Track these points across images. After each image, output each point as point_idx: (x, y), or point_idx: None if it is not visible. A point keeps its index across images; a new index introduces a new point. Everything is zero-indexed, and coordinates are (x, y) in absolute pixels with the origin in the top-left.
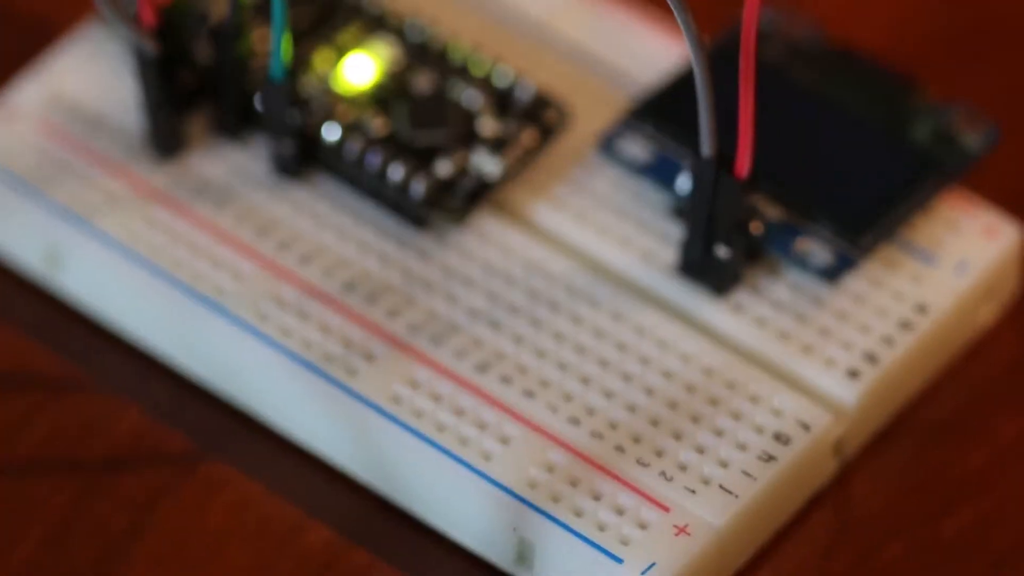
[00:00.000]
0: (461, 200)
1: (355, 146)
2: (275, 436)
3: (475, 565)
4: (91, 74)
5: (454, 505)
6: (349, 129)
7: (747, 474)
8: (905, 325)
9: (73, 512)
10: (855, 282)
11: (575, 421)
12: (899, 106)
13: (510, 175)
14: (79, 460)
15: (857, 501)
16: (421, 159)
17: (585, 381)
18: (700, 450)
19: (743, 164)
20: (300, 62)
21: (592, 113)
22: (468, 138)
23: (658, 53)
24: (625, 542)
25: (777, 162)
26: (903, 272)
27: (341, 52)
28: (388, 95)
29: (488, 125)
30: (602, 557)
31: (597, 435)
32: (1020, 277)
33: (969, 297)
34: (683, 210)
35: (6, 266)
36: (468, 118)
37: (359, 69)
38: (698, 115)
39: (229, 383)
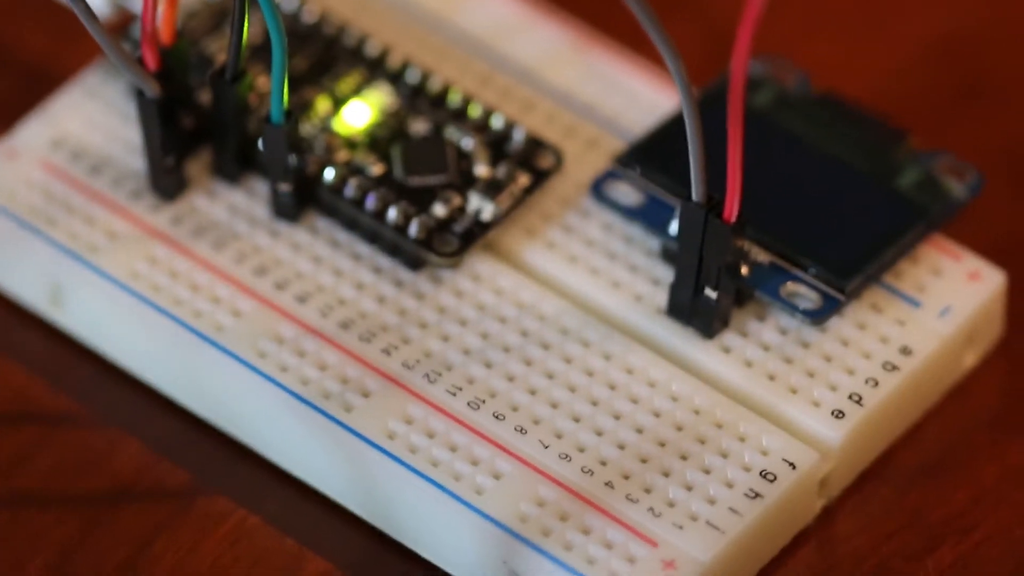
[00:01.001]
0: (456, 242)
1: (353, 188)
2: (273, 470)
3: None
4: (94, 116)
5: (447, 538)
6: (347, 171)
7: (734, 511)
8: (890, 367)
9: (74, 545)
10: (841, 325)
11: (566, 457)
12: (886, 154)
13: (504, 218)
14: (80, 493)
15: (841, 539)
16: (417, 201)
17: (576, 419)
18: (688, 487)
19: (731, 208)
20: (299, 105)
21: (584, 158)
22: (463, 181)
23: (648, 99)
24: None
25: (765, 207)
26: (888, 316)
27: (339, 95)
28: (385, 138)
29: (483, 169)
30: None
31: (587, 471)
32: (1002, 322)
33: (953, 341)
34: (673, 253)
35: (10, 303)
36: (463, 162)
37: (357, 112)
38: (688, 160)
39: (228, 418)
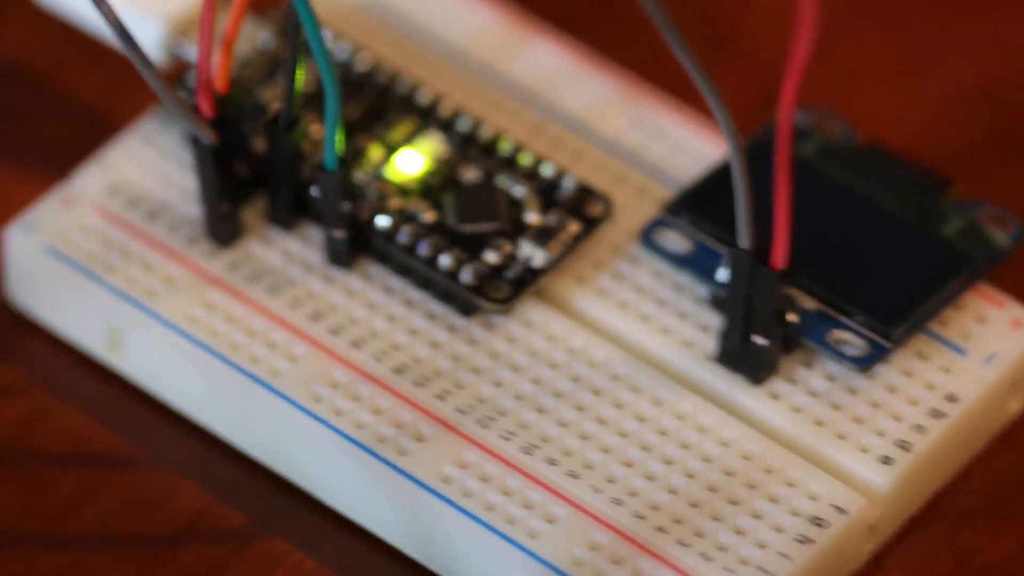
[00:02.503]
0: (507, 288)
1: (406, 235)
2: (329, 513)
3: None
4: (150, 163)
5: None
6: (400, 218)
7: (784, 555)
8: (936, 414)
9: None
10: (888, 372)
11: (618, 502)
12: (930, 203)
13: (554, 265)
14: (139, 536)
15: None
16: (469, 248)
17: (628, 464)
18: (739, 532)
19: (779, 256)
20: (352, 152)
21: (633, 206)
22: (514, 229)
23: (696, 148)
24: None
25: (812, 255)
26: (934, 363)
27: (392, 143)
28: (437, 186)
29: (533, 216)
30: None
31: (639, 516)
32: None
33: (998, 387)
34: (721, 300)
35: (69, 347)
36: (514, 209)
37: (409, 160)
38: (735, 208)
39: (284, 462)
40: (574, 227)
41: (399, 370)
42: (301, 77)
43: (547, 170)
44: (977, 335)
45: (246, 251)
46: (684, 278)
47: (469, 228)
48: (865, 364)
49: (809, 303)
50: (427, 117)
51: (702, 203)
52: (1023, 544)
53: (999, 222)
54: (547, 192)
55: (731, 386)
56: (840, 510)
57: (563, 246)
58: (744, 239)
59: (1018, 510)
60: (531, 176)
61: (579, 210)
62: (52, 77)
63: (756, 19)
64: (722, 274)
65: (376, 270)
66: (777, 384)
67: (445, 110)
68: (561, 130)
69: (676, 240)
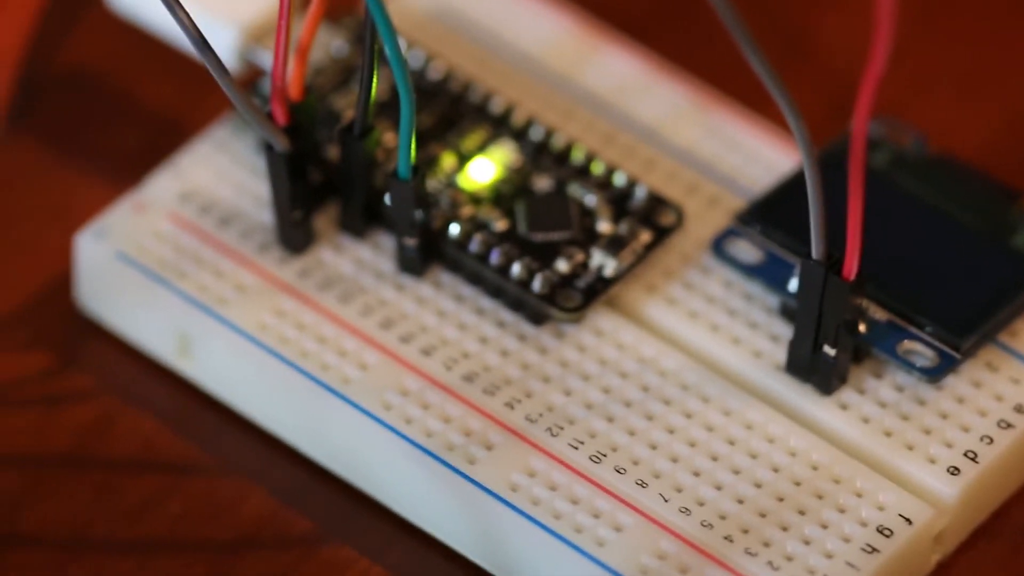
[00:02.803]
0: (579, 297)
1: (477, 243)
2: (397, 520)
3: None
4: (222, 169)
5: None
6: (472, 227)
7: (851, 565)
8: (1005, 425)
9: None
10: (957, 383)
11: (686, 511)
12: (1000, 214)
13: (626, 274)
14: (208, 540)
15: None
16: (540, 257)
17: (696, 473)
18: (806, 541)
19: (851, 267)
20: (425, 160)
21: (704, 215)
22: (586, 238)
23: (768, 157)
24: None
25: (883, 266)
26: (1003, 374)
27: (465, 152)
28: (509, 194)
29: (605, 225)
30: None
31: (707, 525)
32: None
33: None
34: (792, 310)
35: (139, 353)
36: (586, 218)
37: (482, 168)
38: (807, 219)
39: (352, 468)
40: (645, 236)
41: (469, 378)
42: (375, 85)
43: (619, 179)
44: None
45: (317, 258)
46: (755, 288)
47: (541, 237)
48: (935, 375)
49: (879, 313)
50: (500, 125)
51: (774, 213)
52: None
53: None
54: (619, 201)
55: (800, 396)
56: (907, 520)
57: (634, 255)
58: (816, 249)
59: None
60: (603, 185)
61: (651, 219)
62: (126, 83)
63: (829, 29)
64: (793, 284)
65: (447, 278)
66: (846, 394)
67: (518, 119)
68: (633, 139)
69: (747, 250)
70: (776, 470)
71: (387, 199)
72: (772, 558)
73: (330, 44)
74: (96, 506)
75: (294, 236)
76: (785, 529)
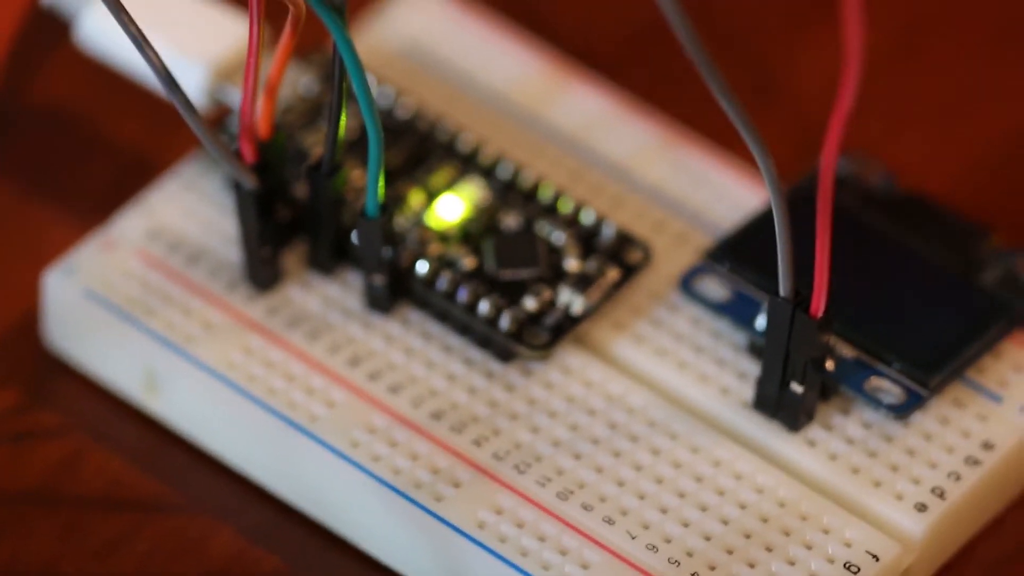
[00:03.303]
0: (546, 335)
1: (445, 281)
2: (365, 558)
3: None
4: (190, 207)
5: None
6: (439, 264)
7: None
8: (972, 461)
9: None
10: (924, 419)
11: (653, 548)
12: (969, 251)
13: (593, 311)
14: None
15: None
16: (508, 294)
17: (663, 510)
18: None
19: (818, 304)
20: (393, 198)
21: (672, 253)
22: (553, 275)
23: (736, 195)
24: None
25: (851, 303)
26: (971, 411)
27: (433, 189)
28: (477, 232)
29: (573, 263)
30: None
31: (674, 562)
32: None
33: None
34: (760, 348)
35: (106, 391)
36: (554, 256)
37: (450, 206)
38: (775, 256)
39: (320, 506)
40: (613, 274)
41: (437, 416)
42: (343, 122)
43: (587, 217)
44: (1014, 383)
45: (285, 296)
46: (722, 325)
47: (508, 274)
48: (902, 412)
49: (847, 351)
50: (468, 163)
51: (742, 250)
52: None
53: None
54: (587, 239)
55: (768, 433)
56: (874, 557)
57: (602, 293)
58: (784, 287)
59: None
60: (571, 223)
61: (618, 257)
62: (94, 121)
63: (799, 68)
64: (761, 322)
65: (415, 316)
66: (814, 431)
67: (486, 156)
68: (602, 176)
69: (715, 287)
70: (743, 507)
71: (355, 237)
72: None
73: (298, 81)
74: (64, 544)
75: (262, 274)
76: (752, 566)
